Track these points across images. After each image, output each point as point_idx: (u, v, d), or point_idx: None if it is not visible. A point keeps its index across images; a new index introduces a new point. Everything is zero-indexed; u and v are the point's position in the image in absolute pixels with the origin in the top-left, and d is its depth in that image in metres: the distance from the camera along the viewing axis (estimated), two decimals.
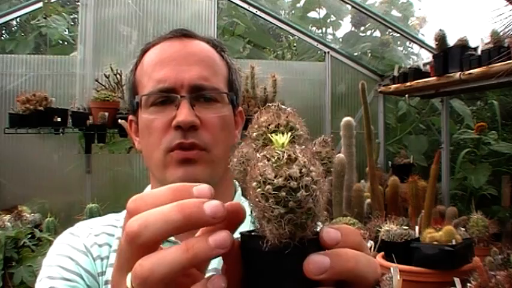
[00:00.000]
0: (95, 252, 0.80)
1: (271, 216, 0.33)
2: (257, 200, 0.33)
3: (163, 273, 0.35)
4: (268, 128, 0.37)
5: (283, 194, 0.32)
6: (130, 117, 0.89)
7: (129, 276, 0.38)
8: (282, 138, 0.34)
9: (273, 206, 0.32)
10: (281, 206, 0.32)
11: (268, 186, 0.32)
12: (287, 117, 0.38)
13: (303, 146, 0.36)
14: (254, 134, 0.38)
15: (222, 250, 0.35)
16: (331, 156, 0.41)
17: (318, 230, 0.36)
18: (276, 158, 0.33)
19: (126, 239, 0.37)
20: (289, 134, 0.35)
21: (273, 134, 0.35)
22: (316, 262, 0.35)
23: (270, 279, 0.36)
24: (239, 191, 0.91)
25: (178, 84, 0.79)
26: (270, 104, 0.39)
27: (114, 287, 0.41)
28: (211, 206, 0.35)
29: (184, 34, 0.86)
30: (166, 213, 0.36)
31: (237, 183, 0.92)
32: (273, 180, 0.32)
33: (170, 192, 0.38)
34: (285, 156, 0.33)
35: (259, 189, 0.33)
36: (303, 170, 0.33)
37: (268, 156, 0.34)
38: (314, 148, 0.40)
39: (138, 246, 0.37)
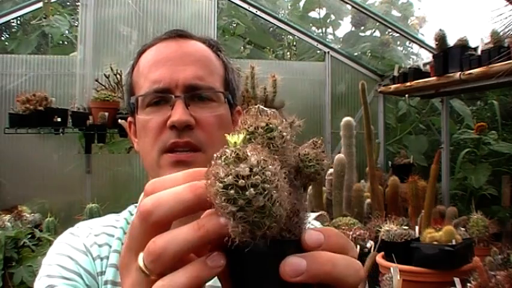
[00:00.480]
0: (94, 252, 0.80)
1: (226, 214, 0.33)
2: (212, 198, 0.34)
3: (176, 251, 0.36)
4: (247, 130, 0.37)
5: (232, 192, 0.32)
6: (130, 118, 0.90)
7: (141, 256, 0.38)
8: (234, 138, 0.35)
9: (223, 204, 0.33)
10: (231, 204, 0.33)
11: (219, 184, 0.33)
12: (269, 119, 0.38)
13: (277, 146, 0.37)
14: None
15: None
16: (321, 158, 0.40)
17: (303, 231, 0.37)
18: (224, 157, 0.34)
19: (139, 217, 0.38)
20: (245, 134, 0.35)
21: (226, 134, 0.35)
22: (292, 264, 0.35)
23: (251, 278, 0.37)
24: None
25: (173, 85, 0.79)
26: (251, 107, 0.39)
27: (123, 267, 0.41)
28: None
29: (179, 35, 0.86)
30: (179, 193, 0.37)
31: None
32: (223, 179, 0.33)
33: (186, 175, 0.40)
34: (233, 155, 0.33)
35: (212, 188, 0.33)
36: (254, 169, 0.33)
37: (219, 155, 0.34)
38: (301, 150, 0.40)
39: (150, 224, 0.38)
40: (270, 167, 0.33)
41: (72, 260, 0.78)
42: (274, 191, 0.33)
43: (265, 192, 0.33)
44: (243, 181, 0.32)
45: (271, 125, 0.37)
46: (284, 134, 0.37)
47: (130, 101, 0.86)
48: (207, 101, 0.81)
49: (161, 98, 0.80)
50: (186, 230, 0.37)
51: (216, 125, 0.81)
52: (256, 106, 0.39)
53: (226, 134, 0.35)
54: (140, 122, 0.83)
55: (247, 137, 0.37)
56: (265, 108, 0.39)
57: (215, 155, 0.35)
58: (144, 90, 0.82)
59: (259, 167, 0.33)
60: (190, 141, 0.78)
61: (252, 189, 0.32)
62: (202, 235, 0.36)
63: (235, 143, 0.35)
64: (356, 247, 0.43)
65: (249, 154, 0.33)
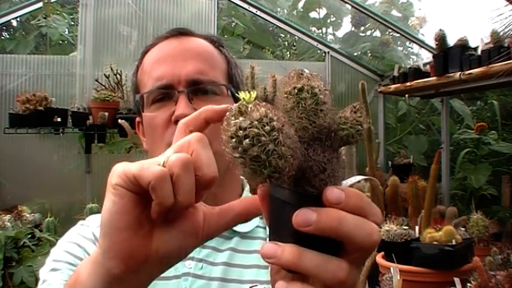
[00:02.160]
0: None
1: (232, 158, 0.37)
2: (225, 144, 0.38)
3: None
4: (286, 92, 0.40)
5: (233, 141, 0.37)
6: (138, 119, 0.91)
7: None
8: (245, 95, 0.38)
9: (228, 150, 0.37)
10: (233, 151, 0.37)
11: (225, 133, 0.37)
12: (308, 81, 0.40)
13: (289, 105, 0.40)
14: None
15: None
16: (357, 122, 0.42)
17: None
18: (232, 111, 0.38)
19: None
20: (255, 91, 0.38)
21: (240, 92, 0.38)
22: (303, 215, 0.38)
23: (272, 221, 0.42)
24: (247, 188, 0.91)
25: (175, 80, 0.81)
26: (293, 69, 0.42)
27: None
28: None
29: (181, 32, 0.87)
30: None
31: (245, 180, 0.92)
32: (228, 129, 0.37)
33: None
34: (237, 109, 0.37)
35: (223, 136, 0.38)
36: (254, 122, 0.36)
37: (230, 109, 0.38)
38: (340, 113, 0.43)
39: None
40: (274, 123, 0.36)
41: (80, 247, 0.79)
42: (271, 144, 0.36)
43: (259, 144, 0.36)
44: (242, 132, 0.36)
45: (304, 86, 0.40)
46: (317, 96, 0.39)
47: (135, 99, 0.88)
48: (211, 94, 0.83)
49: (165, 94, 0.82)
50: None
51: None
52: (297, 68, 0.41)
53: (240, 92, 0.39)
54: (146, 119, 0.85)
55: (284, 96, 0.40)
56: (306, 71, 0.41)
57: (229, 108, 0.39)
58: (148, 88, 0.83)
59: (258, 122, 0.36)
60: None
61: (247, 140, 0.36)
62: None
63: (243, 99, 0.38)
64: None
65: (251, 109, 0.37)
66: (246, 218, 0.46)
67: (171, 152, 0.43)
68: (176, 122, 0.78)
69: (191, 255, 0.79)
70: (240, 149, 0.36)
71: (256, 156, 0.36)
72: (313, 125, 0.40)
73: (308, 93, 0.39)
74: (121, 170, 0.42)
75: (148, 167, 0.41)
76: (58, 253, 0.79)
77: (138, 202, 0.42)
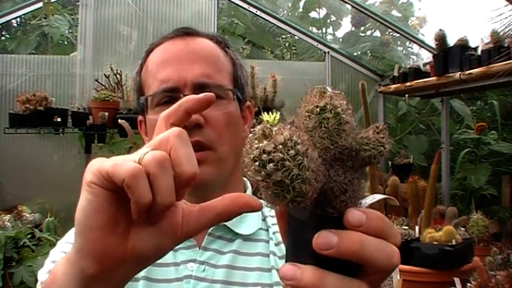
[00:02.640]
0: None
1: (255, 181, 0.37)
2: (247, 166, 0.37)
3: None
4: (307, 111, 0.40)
5: (256, 164, 0.36)
6: (140, 117, 0.90)
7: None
8: (270, 117, 0.38)
9: (251, 174, 0.37)
10: (256, 174, 0.36)
11: (248, 156, 0.37)
12: (331, 99, 0.40)
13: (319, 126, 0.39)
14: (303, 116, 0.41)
15: None
16: (379, 143, 0.41)
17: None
18: (255, 133, 0.37)
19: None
20: (277, 113, 0.38)
21: (264, 113, 0.38)
22: (324, 237, 0.37)
23: (291, 242, 0.41)
24: (249, 189, 0.90)
25: (181, 83, 0.80)
26: (315, 87, 0.41)
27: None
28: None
29: (186, 33, 0.86)
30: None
31: (247, 181, 0.92)
32: (251, 152, 0.37)
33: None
34: (260, 132, 0.37)
35: (245, 159, 0.37)
36: (278, 146, 0.36)
37: (254, 131, 0.38)
38: (363, 133, 0.42)
39: None
40: (299, 146, 0.36)
41: None
42: (295, 169, 0.36)
43: (284, 169, 0.35)
44: (265, 156, 0.36)
45: (327, 106, 0.39)
46: (340, 115, 0.39)
47: (139, 101, 0.86)
48: (216, 98, 0.82)
49: (170, 97, 0.80)
50: None
51: (225, 122, 0.81)
52: (320, 86, 0.41)
53: (264, 113, 0.38)
54: (150, 122, 0.83)
55: (306, 114, 0.40)
56: (329, 89, 0.41)
57: (252, 130, 0.38)
58: (152, 89, 0.82)
59: (283, 146, 0.36)
60: (200, 140, 0.78)
61: (271, 164, 0.35)
62: None
63: (267, 121, 0.36)
64: None
65: (276, 132, 0.36)
66: (227, 216, 0.44)
67: (148, 149, 0.41)
68: None
69: (193, 257, 0.78)
70: (263, 172, 0.36)
71: (280, 181, 0.36)
72: (335, 145, 0.39)
73: (331, 112, 0.39)
74: (95, 167, 0.40)
75: (122, 164, 0.39)
76: (56, 254, 0.78)
77: (114, 200, 0.40)
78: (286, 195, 0.36)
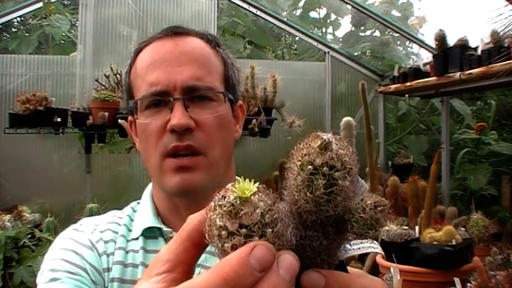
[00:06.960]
0: (100, 248, 0.80)
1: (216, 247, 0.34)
2: (208, 234, 0.34)
3: None
4: (300, 160, 0.35)
5: (216, 238, 0.33)
6: (130, 118, 0.89)
7: None
8: (244, 187, 0.33)
9: (213, 242, 0.33)
10: (216, 243, 0.33)
11: (212, 229, 0.33)
12: (330, 158, 0.34)
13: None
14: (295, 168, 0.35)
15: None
16: (372, 223, 0.36)
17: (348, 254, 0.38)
18: (224, 204, 0.33)
19: None
20: (256, 186, 0.33)
21: (238, 178, 0.34)
22: (312, 278, 0.34)
23: None
24: None
25: (171, 87, 0.78)
26: (311, 133, 0.36)
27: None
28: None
29: (176, 32, 0.84)
30: None
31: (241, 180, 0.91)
32: (214, 225, 0.33)
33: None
34: (230, 207, 0.32)
35: (208, 227, 0.34)
36: (242, 230, 0.32)
37: (220, 197, 0.33)
38: (357, 205, 0.37)
39: None
40: (268, 230, 0.32)
41: (77, 254, 0.77)
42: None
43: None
44: (225, 233, 0.32)
45: (322, 167, 0.34)
46: (336, 183, 0.34)
47: (129, 102, 0.85)
48: (207, 100, 0.80)
49: (159, 100, 0.79)
50: None
51: (216, 125, 0.80)
52: (320, 135, 0.35)
53: (238, 178, 0.33)
54: (140, 125, 0.82)
55: (298, 164, 0.34)
56: (333, 141, 0.34)
57: (216, 196, 0.33)
58: (141, 92, 0.80)
59: (247, 230, 0.32)
60: (191, 144, 0.77)
61: (229, 244, 0.32)
62: None
63: (241, 193, 0.32)
64: None
65: (243, 211, 0.32)
66: None
67: None
68: (171, 131, 0.76)
69: None
70: (220, 245, 0.33)
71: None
72: (320, 213, 0.34)
73: (324, 177, 0.33)
74: None
75: None
76: (55, 262, 0.76)
77: None
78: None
